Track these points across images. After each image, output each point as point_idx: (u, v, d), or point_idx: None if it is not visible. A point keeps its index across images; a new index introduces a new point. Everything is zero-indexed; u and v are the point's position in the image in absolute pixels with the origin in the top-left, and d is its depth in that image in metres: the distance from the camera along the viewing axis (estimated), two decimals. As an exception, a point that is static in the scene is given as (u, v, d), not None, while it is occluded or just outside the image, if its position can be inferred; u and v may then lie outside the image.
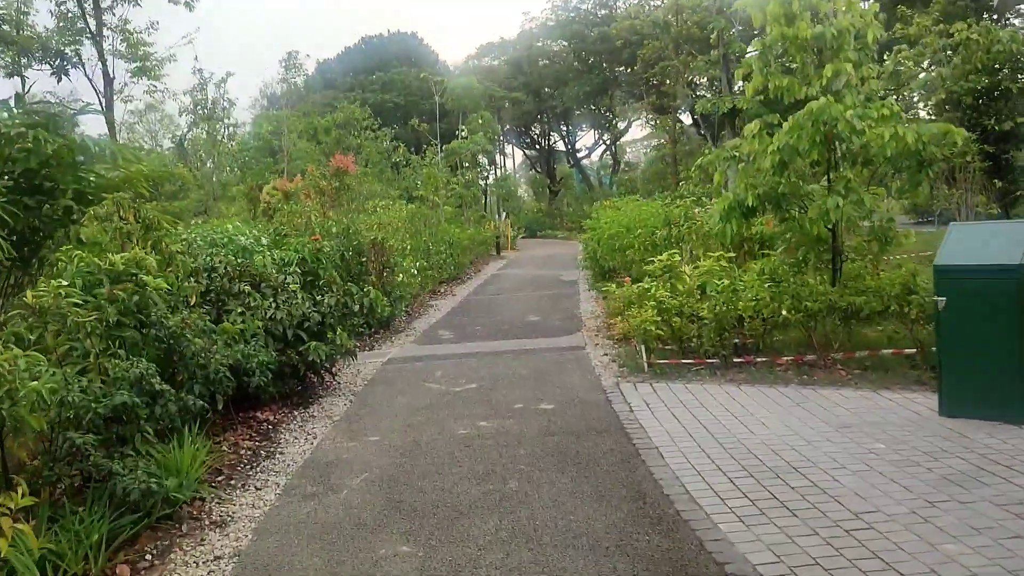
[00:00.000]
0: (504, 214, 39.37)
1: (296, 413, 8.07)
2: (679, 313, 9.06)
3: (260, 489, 5.74)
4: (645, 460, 5.81)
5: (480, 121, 38.73)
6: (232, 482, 5.93)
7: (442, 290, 19.14)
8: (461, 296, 18.15)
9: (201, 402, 6.08)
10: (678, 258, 9.72)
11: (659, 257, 9.79)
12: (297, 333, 8.49)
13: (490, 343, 11.45)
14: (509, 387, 8.50)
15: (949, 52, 19.17)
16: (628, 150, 66.76)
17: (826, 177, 9.27)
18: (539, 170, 65.22)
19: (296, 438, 7.15)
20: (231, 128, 44.44)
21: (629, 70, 41.47)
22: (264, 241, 10.80)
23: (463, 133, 39.66)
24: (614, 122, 60.18)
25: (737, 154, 9.86)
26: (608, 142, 62.60)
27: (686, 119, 38.64)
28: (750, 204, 8.95)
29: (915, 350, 8.27)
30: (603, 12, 48.64)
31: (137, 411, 5.21)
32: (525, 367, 9.49)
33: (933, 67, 19.99)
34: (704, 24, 26.44)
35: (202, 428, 6.12)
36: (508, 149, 62.16)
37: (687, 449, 6.00)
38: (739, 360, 8.67)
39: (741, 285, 8.48)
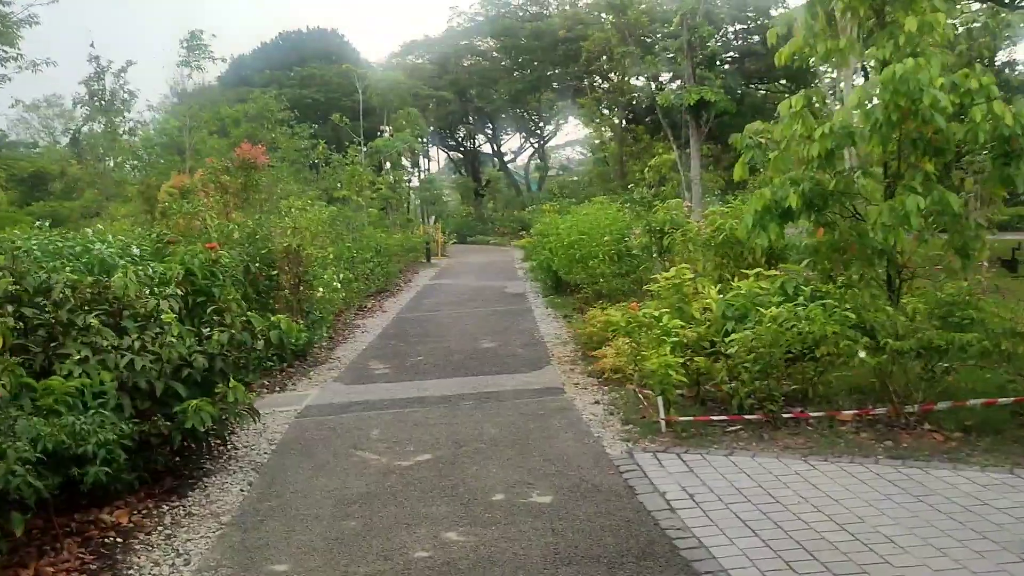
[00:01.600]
0: (433, 218, 36.78)
1: (165, 509, 5.42)
2: (699, 350, 6.79)
3: None
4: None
5: (406, 119, 36.01)
6: None
7: (370, 305, 16.49)
8: (393, 312, 15.54)
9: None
10: (690, 275, 7.45)
11: (665, 273, 7.50)
12: (171, 386, 5.85)
13: (439, 382, 8.94)
14: (479, 460, 6.03)
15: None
16: (554, 154, 64.96)
17: (883, 170, 7.16)
18: (464, 173, 62.75)
19: (156, 564, 4.53)
20: (132, 122, 40.53)
21: (567, 68, 39.40)
22: (136, 251, 8.05)
23: (388, 131, 36.92)
24: (541, 125, 58.27)
25: (763, 140, 7.67)
26: (536, 145, 60.61)
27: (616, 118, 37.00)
28: (792, 205, 6.75)
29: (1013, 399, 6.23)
30: (534, 8, 46.52)
31: None
32: (494, 423, 7.03)
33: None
34: (652, 13, 24.66)
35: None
36: (432, 152, 59.49)
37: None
38: (786, 414, 6.44)
39: (797, 314, 6.22)
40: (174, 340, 6.06)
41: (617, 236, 13.58)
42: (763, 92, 30.58)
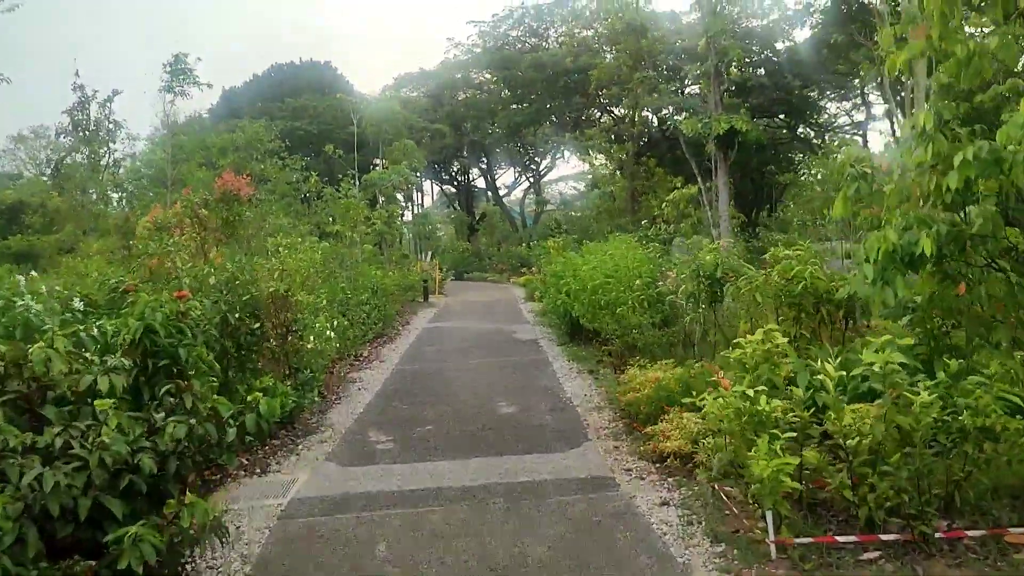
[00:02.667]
0: (430, 254, 35.24)
1: None
2: (804, 439, 5.19)
3: None
4: None
5: (403, 151, 34.61)
6: None
7: (366, 354, 14.83)
8: (392, 363, 13.88)
9: None
10: (781, 339, 5.86)
11: (750, 337, 5.90)
12: (101, 502, 4.21)
13: (456, 464, 7.27)
14: (528, 602, 4.38)
15: None
16: (547, 189, 63.65)
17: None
18: (457, 207, 61.44)
19: None
20: (117, 153, 39.03)
21: (570, 100, 38.15)
22: (78, 304, 6.42)
23: (383, 164, 35.53)
24: (537, 160, 57.14)
25: (868, 171, 6.15)
26: (532, 179, 59.37)
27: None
28: (926, 252, 5.20)
29: None
30: (533, 40, 45.51)
31: None
32: (538, 537, 5.37)
33: None
34: (664, 41, 23.41)
35: None
36: (424, 186, 58.11)
37: None
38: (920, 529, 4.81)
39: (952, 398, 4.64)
40: (112, 436, 4.43)
41: (647, 280, 12.07)
42: (762, 127, 29.51)
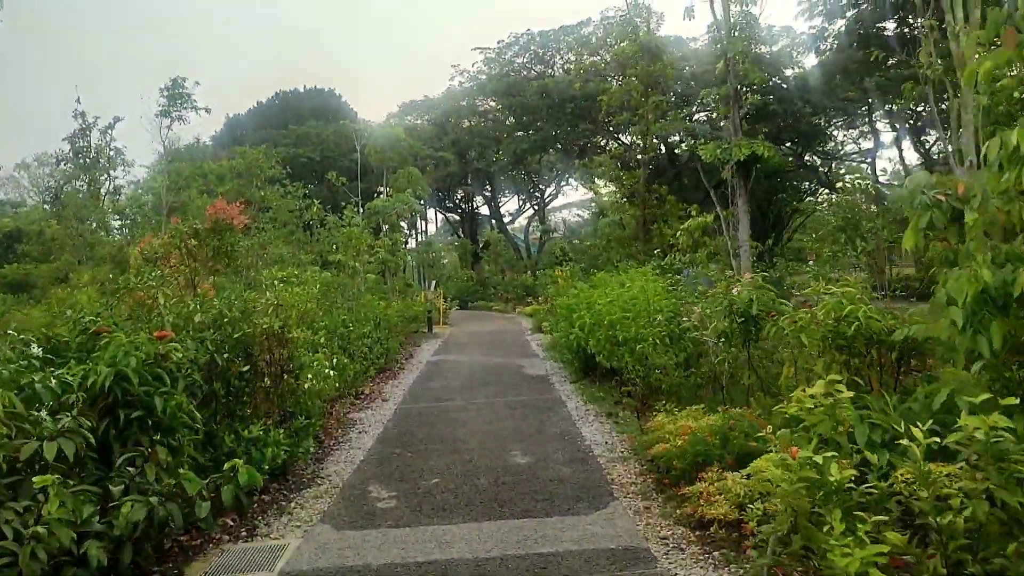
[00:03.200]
0: (434, 283, 34.49)
1: None
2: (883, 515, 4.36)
3: None
4: None
5: (407, 178, 34.00)
6: None
7: (368, 391, 14.01)
8: (395, 401, 13.06)
9: None
10: (846, 392, 5.05)
11: (813, 388, 5.09)
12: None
13: (467, 529, 6.42)
14: None
15: None
16: (551, 217, 62.98)
17: None
18: (461, 235, 60.87)
19: None
20: (121, 180, 38.56)
21: (576, 127, 37.61)
22: (36, 351, 5.63)
23: (387, 192, 34.95)
24: (542, 188, 56.61)
25: (943, 198, 5.37)
26: (537, 207, 58.77)
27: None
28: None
29: None
30: (539, 67, 45.13)
31: None
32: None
33: None
34: (676, 65, 22.81)
35: None
36: (429, 213, 57.56)
37: None
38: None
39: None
40: (54, 519, 3.62)
41: (669, 315, 11.26)
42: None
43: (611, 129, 32.29)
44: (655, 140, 26.89)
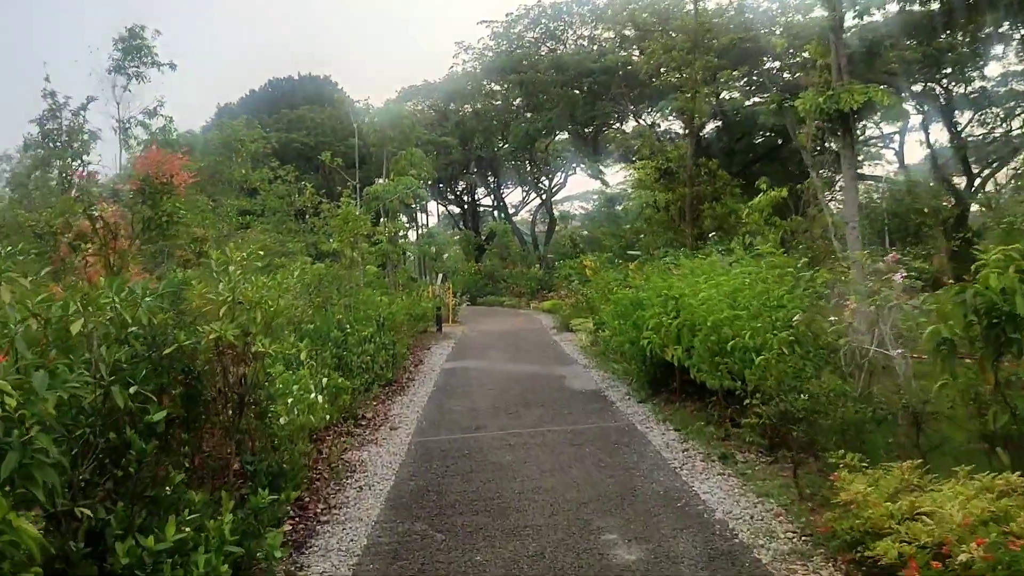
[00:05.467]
0: (442, 276, 31.16)
1: None
2: None
3: None
4: None
5: (410, 160, 30.53)
6: None
7: (370, 415, 10.68)
8: (407, 431, 9.72)
9: None
10: None
11: None
12: None
13: None
14: None
15: None
16: (559, 208, 59.51)
17: None
18: (463, 227, 57.59)
19: None
20: (91, 166, 35.09)
21: (595, 103, 34.09)
22: None
23: (389, 178, 31.55)
24: (548, 177, 53.18)
25: None
26: (545, 196, 55.36)
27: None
28: None
29: None
30: (550, 43, 41.70)
31: None
32: None
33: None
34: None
35: None
36: (429, 206, 54.17)
37: None
38: None
39: None
40: None
41: (791, 313, 7.99)
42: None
43: (638, 106, 28.65)
44: (711, 101, 23.39)
